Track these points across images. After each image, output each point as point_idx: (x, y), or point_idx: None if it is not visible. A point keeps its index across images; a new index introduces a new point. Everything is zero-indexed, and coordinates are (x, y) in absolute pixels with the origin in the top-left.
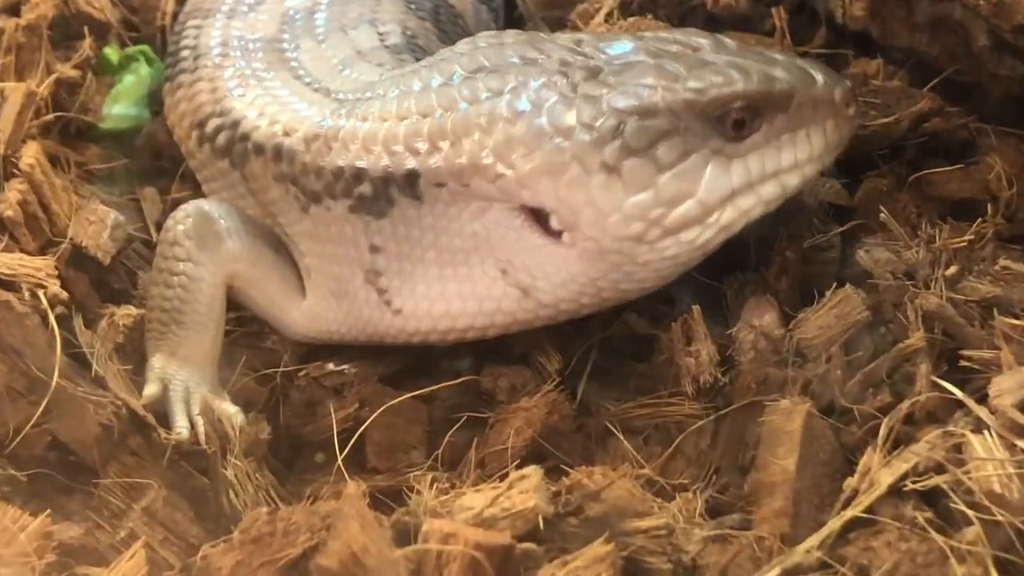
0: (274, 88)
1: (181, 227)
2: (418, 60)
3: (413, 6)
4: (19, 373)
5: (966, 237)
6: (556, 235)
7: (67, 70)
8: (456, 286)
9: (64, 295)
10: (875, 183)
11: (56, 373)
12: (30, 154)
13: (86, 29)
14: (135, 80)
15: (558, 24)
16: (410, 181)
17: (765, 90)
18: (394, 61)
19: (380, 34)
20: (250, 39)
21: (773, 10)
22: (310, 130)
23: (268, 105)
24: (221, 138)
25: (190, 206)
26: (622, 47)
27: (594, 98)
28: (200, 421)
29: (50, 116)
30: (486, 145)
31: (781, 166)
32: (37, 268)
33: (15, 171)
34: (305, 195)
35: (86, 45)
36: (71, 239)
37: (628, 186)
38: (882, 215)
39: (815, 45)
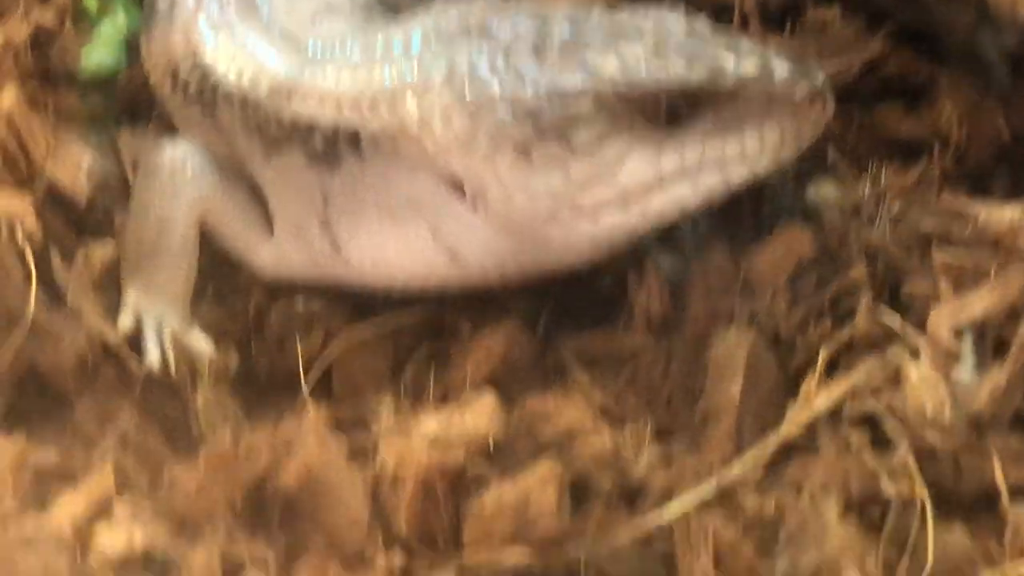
0: (245, 38)
1: (154, 165)
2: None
3: None
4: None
5: (911, 176)
6: (473, 206)
7: (46, 17)
8: (394, 243)
9: (39, 232)
10: (829, 126)
11: (31, 305)
12: (9, 96)
13: None
14: (113, 27)
15: None
16: (353, 139)
17: (705, 80)
18: (363, 15)
19: None
20: None
21: None
22: (274, 81)
23: (238, 55)
24: (193, 86)
25: (166, 146)
26: (584, 25)
27: (521, 76)
28: (170, 352)
29: (28, 61)
30: (414, 111)
31: (725, 156)
32: (14, 205)
33: None
34: (267, 143)
35: None
36: (48, 178)
37: (537, 167)
38: (830, 154)
39: None
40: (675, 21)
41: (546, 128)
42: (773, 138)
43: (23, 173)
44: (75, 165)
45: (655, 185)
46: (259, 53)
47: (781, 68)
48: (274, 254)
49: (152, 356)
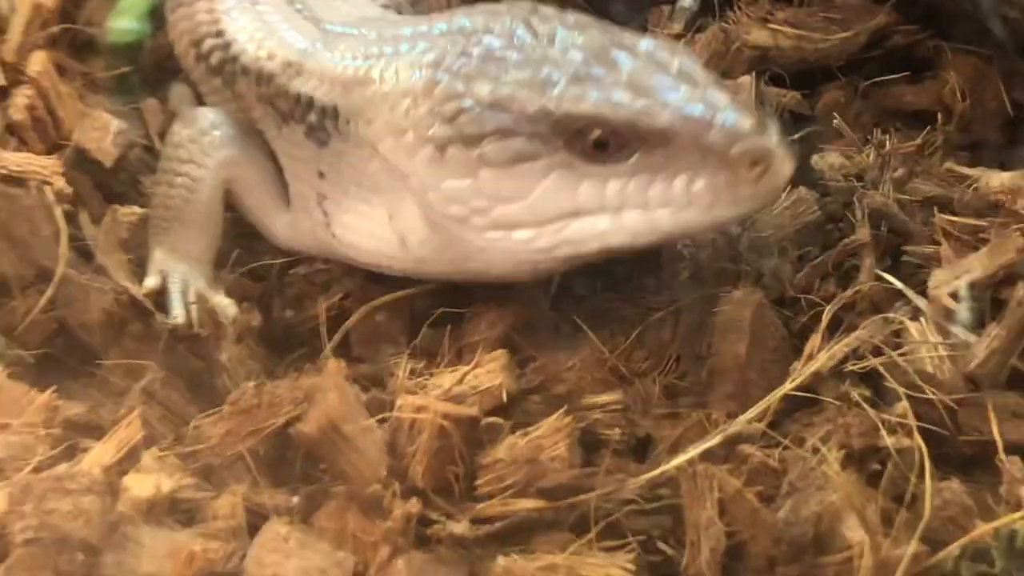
0: (266, 13)
1: (186, 131)
2: None
3: None
4: (27, 263)
5: (915, 142)
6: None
7: None
8: (366, 223)
9: (69, 190)
10: (834, 95)
11: (62, 263)
12: (38, 62)
13: None
14: None
15: None
16: (335, 116)
17: (631, 121)
18: None
19: None
20: None
21: None
22: (287, 56)
23: (258, 30)
24: (214, 58)
25: (195, 112)
26: (567, 42)
27: (464, 80)
28: (195, 310)
29: (56, 28)
30: (372, 95)
31: (648, 201)
32: (44, 166)
33: (23, 78)
34: (279, 116)
35: None
36: (76, 143)
37: (448, 169)
38: (835, 121)
39: None
40: (658, 51)
41: (464, 134)
42: (703, 193)
43: (52, 137)
44: (102, 130)
45: (571, 213)
46: (281, 29)
47: (725, 119)
48: (289, 225)
49: (177, 314)
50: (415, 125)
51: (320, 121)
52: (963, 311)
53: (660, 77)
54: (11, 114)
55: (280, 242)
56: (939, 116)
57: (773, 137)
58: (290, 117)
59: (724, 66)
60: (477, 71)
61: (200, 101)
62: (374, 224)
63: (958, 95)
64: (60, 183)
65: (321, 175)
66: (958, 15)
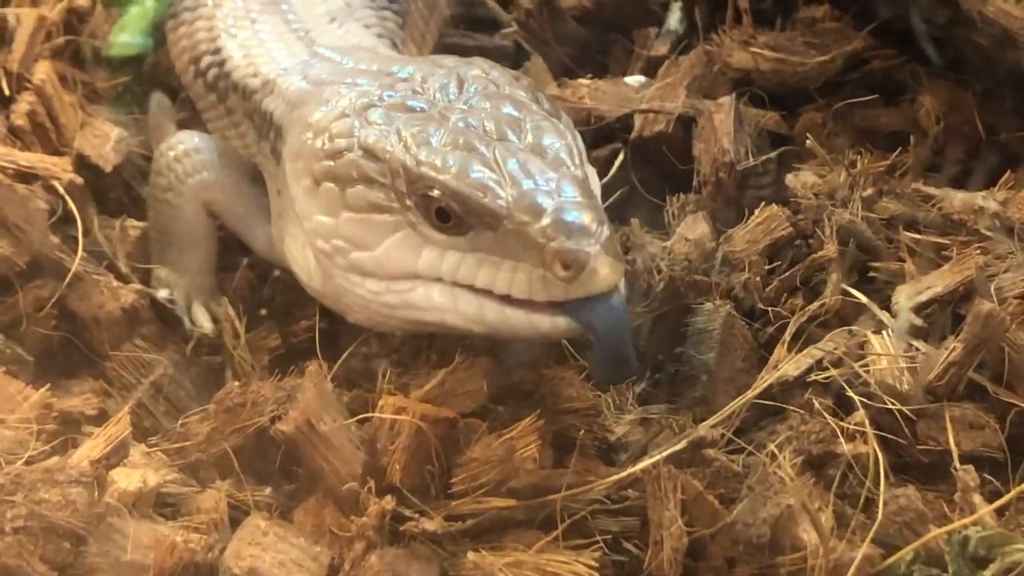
0: (262, 31)
1: (164, 159)
2: (396, 12)
3: None
4: (30, 256)
5: (885, 163)
6: None
7: None
8: (296, 247)
9: (80, 180)
10: (812, 116)
11: (78, 258)
12: (41, 71)
13: None
14: (140, 11)
15: None
16: (281, 135)
17: (467, 196)
18: (378, 17)
19: None
20: None
21: None
22: (268, 74)
23: (253, 48)
24: (211, 75)
25: (175, 138)
26: (477, 107)
27: (362, 121)
28: (202, 320)
29: (61, 40)
30: (295, 118)
31: (476, 283)
32: (53, 163)
33: (27, 85)
34: (256, 132)
35: None
36: (76, 149)
37: (320, 203)
38: (808, 141)
39: None
40: (548, 135)
41: (338, 173)
42: (523, 286)
43: (53, 143)
44: (103, 137)
45: (413, 276)
46: (273, 48)
47: (557, 215)
48: (266, 237)
49: (185, 325)
50: (307, 155)
51: (275, 139)
52: (924, 325)
53: (526, 159)
54: (13, 119)
55: (262, 255)
56: (912, 138)
57: (596, 244)
58: (262, 134)
59: (706, 87)
60: (378, 118)
61: (196, 118)
62: (298, 248)
63: (932, 118)
64: (70, 175)
65: (278, 192)
66: (936, 42)
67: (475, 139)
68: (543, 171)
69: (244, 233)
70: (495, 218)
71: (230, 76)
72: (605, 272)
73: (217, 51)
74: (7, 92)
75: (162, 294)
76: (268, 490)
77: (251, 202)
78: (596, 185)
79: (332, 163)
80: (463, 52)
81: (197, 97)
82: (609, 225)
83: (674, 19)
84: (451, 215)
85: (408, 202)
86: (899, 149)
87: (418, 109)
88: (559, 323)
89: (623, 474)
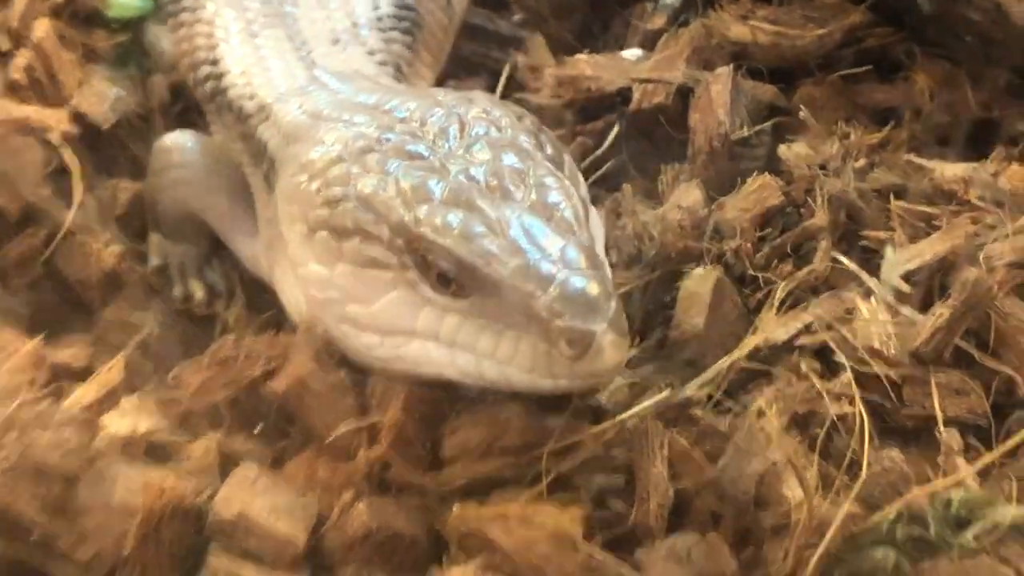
0: (263, 48)
1: (156, 149)
2: (405, 31)
3: None
4: (18, 202)
5: (879, 135)
6: None
7: None
8: (286, 279)
9: (75, 131)
10: (809, 89)
11: (72, 211)
12: (41, 28)
13: None
14: None
15: None
16: (274, 167)
17: (471, 264)
18: (382, 41)
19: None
20: None
21: None
22: (265, 99)
23: (251, 66)
24: (208, 87)
25: (171, 134)
26: (478, 156)
27: (360, 166)
28: (195, 288)
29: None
30: (292, 154)
31: (477, 348)
32: (50, 115)
33: (25, 42)
34: (250, 155)
35: None
36: (74, 106)
37: (315, 252)
38: (802, 113)
39: None
40: (553, 192)
41: (334, 224)
42: (525, 356)
43: (50, 99)
44: (100, 95)
45: (409, 333)
46: (273, 68)
47: (563, 288)
48: (253, 253)
49: (176, 292)
50: (301, 199)
51: (268, 170)
52: (912, 292)
53: (531, 223)
54: (10, 73)
55: (248, 267)
56: (907, 114)
57: (603, 322)
58: (256, 161)
59: (705, 60)
60: (375, 164)
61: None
62: (287, 285)
63: (927, 95)
64: (67, 125)
65: (268, 221)
66: (931, 19)
67: (477, 196)
68: (548, 236)
69: (229, 240)
70: (499, 289)
71: (226, 93)
72: (611, 352)
73: (215, 62)
74: (7, 47)
75: (154, 262)
76: (259, 442)
77: (237, 214)
78: (600, 233)
79: (328, 212)
80: (485, 36)
81: (200, 100)
82: (616, 298)
83: None
84: (451, 279)
85: (407, 260)
86: (892, 123)
87: (417, 155)
88: (560, 384)
89: (607, 424)
